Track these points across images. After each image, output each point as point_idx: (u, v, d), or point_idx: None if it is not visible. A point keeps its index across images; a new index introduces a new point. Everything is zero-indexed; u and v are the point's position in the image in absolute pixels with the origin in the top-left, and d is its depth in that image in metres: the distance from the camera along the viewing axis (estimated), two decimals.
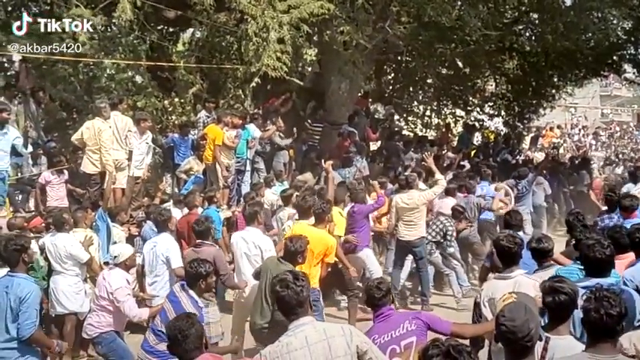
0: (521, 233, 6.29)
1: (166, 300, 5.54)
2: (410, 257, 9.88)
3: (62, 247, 7.39)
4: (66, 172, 10.33)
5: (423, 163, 10.04)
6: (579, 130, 34.17)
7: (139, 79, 12.62)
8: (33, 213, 9.89)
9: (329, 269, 7.35)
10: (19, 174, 10.52)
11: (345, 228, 9.40)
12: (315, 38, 13.44)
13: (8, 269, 5.28)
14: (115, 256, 6.71)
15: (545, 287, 3.81)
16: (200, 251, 6.76)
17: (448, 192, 10.59)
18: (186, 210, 9.32)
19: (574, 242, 6.01)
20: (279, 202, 10.33)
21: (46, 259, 7.61)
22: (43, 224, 8.30)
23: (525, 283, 4.64)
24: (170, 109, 12.92)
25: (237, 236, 7.59)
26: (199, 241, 7.01)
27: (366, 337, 3.87)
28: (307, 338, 3.58)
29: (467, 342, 4.19)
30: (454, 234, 10.04)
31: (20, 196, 10.42)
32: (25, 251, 5.30)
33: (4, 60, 12.64)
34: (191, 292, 5.35)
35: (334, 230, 8.11)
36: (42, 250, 7.65)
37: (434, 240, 9.88)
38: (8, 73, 12.64)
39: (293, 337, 3.62)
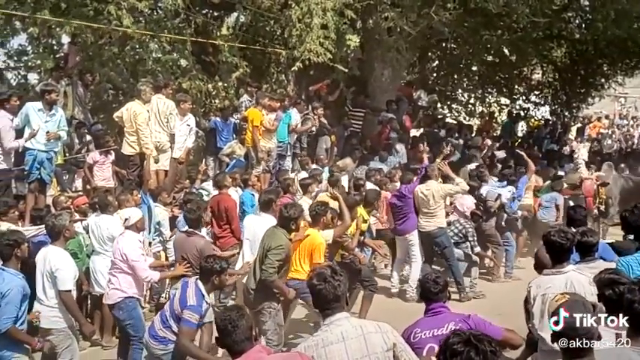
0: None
1: (180, 286, 5.63)
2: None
3: (105, 229, 7.56)
4: (113, 152, 10.54)
5: (439, 168, 9.95)
6: (629, 120, 33.26)
7: (183, 62, 12.76)
8: (80, 192, 10.16)
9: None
10: (67, 154, 10.79)
11: (393, 214, 9.83)
12: (359, 24, 13.37)
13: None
14: (126, 219, 6.81)
15: (602, 279, 3.74)
16: (189, 240, 6.86)
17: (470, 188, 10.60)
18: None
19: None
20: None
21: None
22: (87, 204, 8.48)
23: (577, 278, 4.51)
24: (214, 93, 13.00)
25: (250, 220, 7.75)
26: (190, 229, 7.01)
27: (401, 337, 3.79)
28: (343, 333, 3.54)
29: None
30: (475, 235, 9.99)
31: (67, 176, 10.70)
32: (19, 246, 5.47)
33: (54, 42, 12.90)
34: (200, 285, 5.39)
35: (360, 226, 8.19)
36: (87, 230, 7.84)
37: (452, 241, 9.80)
38: (57, 55, 12.90)
39: (328, 332, 3.57)
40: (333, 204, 7.98)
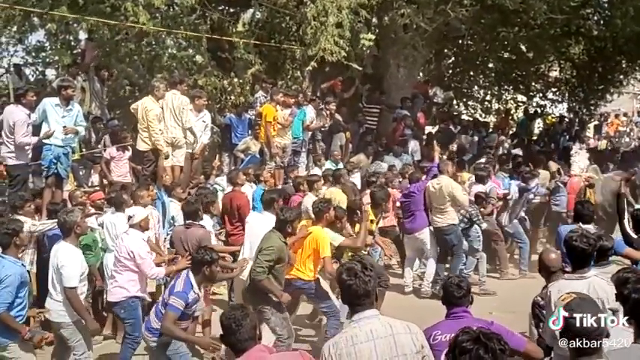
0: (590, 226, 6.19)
1: (174, 278, 5.73)
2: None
3: (120, 227, 7.55)
4: (130, 148, 10.60)
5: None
6: None
7: (199, 58, 12.83)
8: (96, 187, 10.25)
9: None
10: (84, 150, 10.89)
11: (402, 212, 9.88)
12: (374, 20, 13.34)
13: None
14: (130, 217, 6.84)
15: (619, 278, 3.67)
16: (188, 232, 7.02)
17: (479, 179, 10.62)
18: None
19: None
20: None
21: None
22: (103, 199, 8.54)
23: (600, 284, 4.44)
24: (229, 89, 13.05)
25: (251, 219, 7.82)
26: (189, 221, 7.20)
27: (426, 342, 3.70)
28: (373, 332, 3.47)
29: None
30: (480, 215, 9.91)
31: (83, 171, 10.80)
32: (17, 235, 5.56)
33: (71, 38, 13.04)
34: (191, 276, 5.48)
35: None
36: (102, 227, 7.89)
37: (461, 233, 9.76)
38: (74, 52, 13.03)
39: (357, 329, 3.49)
40: (338, 199, 8.03)
